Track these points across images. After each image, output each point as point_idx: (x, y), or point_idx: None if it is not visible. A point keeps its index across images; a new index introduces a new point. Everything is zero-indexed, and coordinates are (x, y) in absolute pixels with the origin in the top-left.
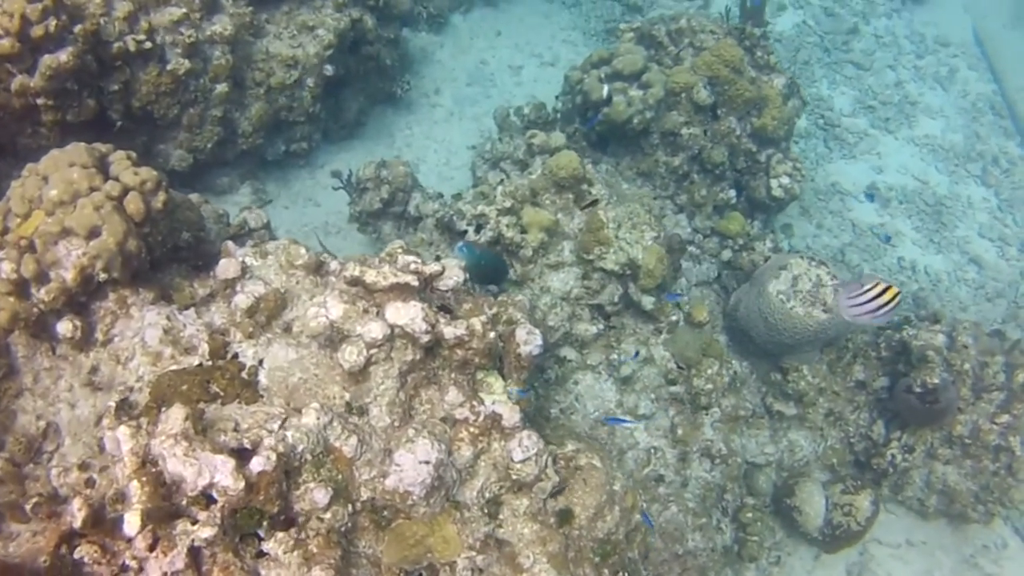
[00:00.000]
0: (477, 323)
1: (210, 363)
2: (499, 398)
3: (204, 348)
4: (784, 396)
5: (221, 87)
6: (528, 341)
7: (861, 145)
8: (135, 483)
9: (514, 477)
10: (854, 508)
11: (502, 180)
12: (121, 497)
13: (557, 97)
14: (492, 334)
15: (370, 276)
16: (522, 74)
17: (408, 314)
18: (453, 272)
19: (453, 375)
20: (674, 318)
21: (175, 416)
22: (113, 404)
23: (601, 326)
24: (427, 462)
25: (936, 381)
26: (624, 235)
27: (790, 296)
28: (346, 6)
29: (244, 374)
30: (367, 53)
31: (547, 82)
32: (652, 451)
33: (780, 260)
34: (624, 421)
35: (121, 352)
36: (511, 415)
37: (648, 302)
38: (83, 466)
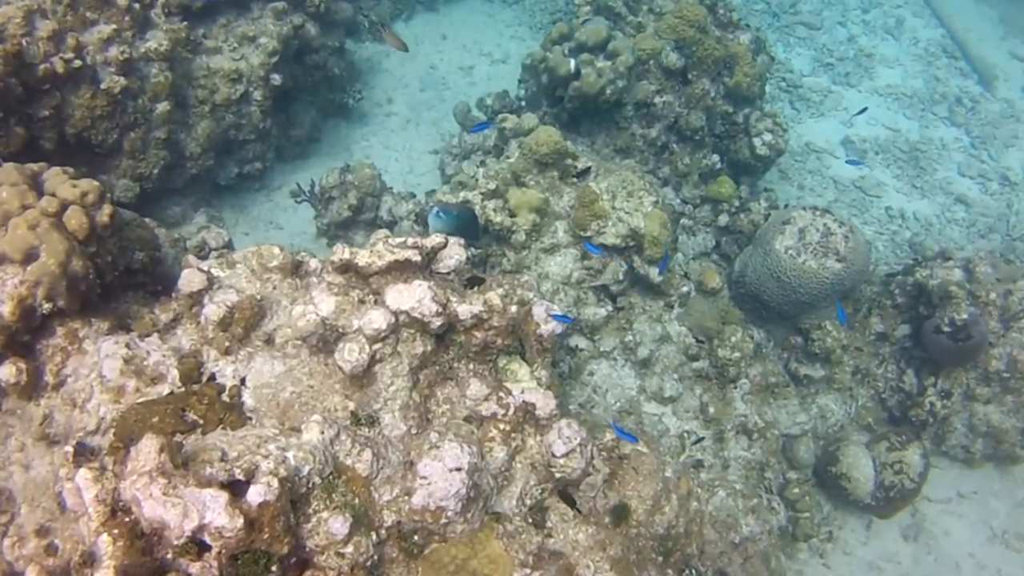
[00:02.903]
0: (495, 297)
1: (183, 389)
2: (528, 385)
3: (174, 374)
4: (810, 357)
5: (162, 106)
6: (549, 319)
7: (827, 102)
8: (104, 537)
9: (558, 475)
10: (904, 464)
11: (482, 162)
12: (90, 559)
13: (519, 83)
14: (513, 308)
15: (363, 258)
16: (474, 74)
17: (414, 295)
18: (455, 250)
19: (471, 365)
20: (685, 289)
21: (147, 449)
22: (70, 449)
23: (609, 307)
24: (458, 469)
25: (964, 316)
26: (621, 205)
27: (800, 250)
28: (286, 13)
29: (225, 396)
30: (313, 62)
31: (501, 79)
32: (685, 436)
33: (782, 215)
34: (624, 434)
35: (77, 394)
36: (545, 403)
37: (656, 274)
38: (41, 531)
